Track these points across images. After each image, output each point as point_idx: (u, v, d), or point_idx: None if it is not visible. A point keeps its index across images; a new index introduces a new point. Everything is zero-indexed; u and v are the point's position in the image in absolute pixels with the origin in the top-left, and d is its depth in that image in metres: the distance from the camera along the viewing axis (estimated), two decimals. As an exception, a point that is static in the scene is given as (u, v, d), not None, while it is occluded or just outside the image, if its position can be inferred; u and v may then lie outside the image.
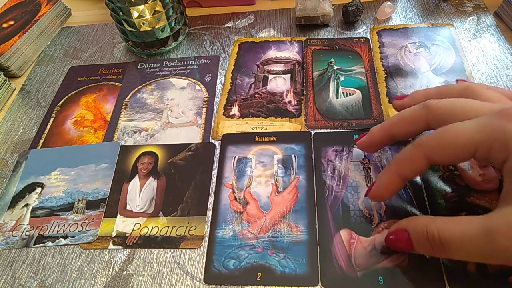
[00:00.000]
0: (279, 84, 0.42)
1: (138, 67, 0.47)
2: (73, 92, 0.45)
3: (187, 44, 0.49)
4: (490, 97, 0.26)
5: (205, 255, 0.31)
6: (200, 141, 0.38)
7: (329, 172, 0.34)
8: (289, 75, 0.43)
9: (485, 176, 0.32)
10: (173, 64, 0.46)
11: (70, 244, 0.33)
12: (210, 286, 0.30)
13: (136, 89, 0.44)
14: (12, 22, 0.51)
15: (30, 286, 0.31)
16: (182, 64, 0.46)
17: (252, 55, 0.45)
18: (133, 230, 0.33)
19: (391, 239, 0.27)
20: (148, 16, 0.43)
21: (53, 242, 0.33)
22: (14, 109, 0.45)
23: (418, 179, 0.33)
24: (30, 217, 0.35)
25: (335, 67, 0.42)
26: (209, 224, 0.33)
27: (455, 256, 0.24)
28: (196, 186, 0.35)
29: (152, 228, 0.33)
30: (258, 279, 0.29)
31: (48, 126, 0.42)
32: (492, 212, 0.23)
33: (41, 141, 0.41)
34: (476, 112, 0.24)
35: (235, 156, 0.36)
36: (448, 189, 0.32)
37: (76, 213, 0.35)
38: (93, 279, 0.31)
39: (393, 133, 0.29)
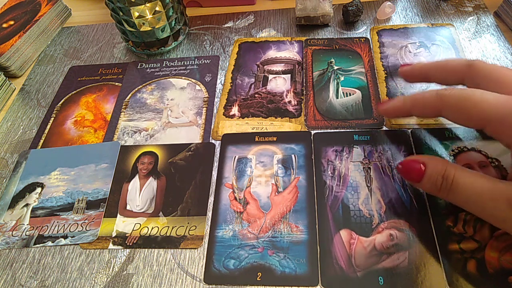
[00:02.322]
0: (279, 84, 0.42)
1: (138, 67, 0.47)
2: (73, 92, 0.45)
3: (187, 44, 0.49)
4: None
5: (205, 255, 0.31)
6: (200, 141, 0.38)
7: (329, 172, 0.34)
8: (289, 75, 0.43)
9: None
10: (173, 64, 0.46)
11: (70, 244, 0.33)
12: (210, 286, 0.30)
13: (136, 89, 0.44)
14: (12, 22, 0.51)
15: (30, 286, 0.31)
16: (182, 64, 0.46)
17: (252, 55, 0.45)
18: (133, 230, 0.33)
19: (405, 166, 0.28)
20: (148, 16, 0.43)
21: (53, 242, 0.33)
22: (14, 109, 0.45)
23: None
24: (30, 217, 0.35)
25: (335, 67, 0.42)
26: (209, 224, 0.33)
27: (456, 199, 0.26)
28: (196, 186, 0.35)
29: (152, 228, 0.33)
30: (258, 279, 0.29)
31: (48, 126, 0.42)
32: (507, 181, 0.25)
33: (41, 141, 0.41)
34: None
35: (235, 156, 0.36)
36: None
37: (76, 213, 0.35)
38: (93, 279, 0.31)
39: (431, 74, 0.31)
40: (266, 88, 0.42)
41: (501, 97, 0.25)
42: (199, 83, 0.44)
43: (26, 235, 0.34)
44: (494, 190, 0.24)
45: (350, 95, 0.40)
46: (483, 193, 0.24)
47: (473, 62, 0.28)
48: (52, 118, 0.43)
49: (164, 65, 0.47)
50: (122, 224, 0.34)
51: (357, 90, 0.40)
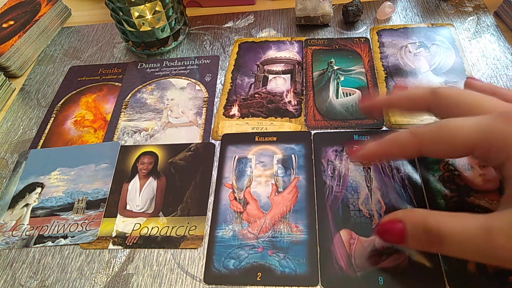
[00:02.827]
0: (279, 84, 0.42)
1: (138, 67, 0.47)
2: (73, 92, 0.45)
3: (187, 44, 0.49)
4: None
5: (205, 255, 0.31)
6: (200, 141, 0.38)
7: (329, 172, 0.34)
8: (289, 75, 0.43)
9: (485, 176, 0.32)
10: (173, 64, 0.46)
11: (70, 244, 0.33)
12: (210, 286, 0.30)
13: (136, 89, 0.44)
14: (12, 22, 0.51)
15: (30, 286, 0.31)
16: (182, 64, 0.46)
17: (252, 55, 0.45)
18: (133, 230, 0.33)
19: (383, 229, 0.25)
20: (148, 16, 0.43)
21: (53, 242, 0.33)
22: (14, 109, 0.45)
23: (418, 179, 0.33)
24: (30, 217, 0.35)
25: (335, 67, 0.42)
26: (209, 224, 0.33)
27: (450, 251, 0.23)
28: (196, 186, 0.35)
29: (152, 228, 0.33)
30: (258, 279, 0.29)
31: (48, 126, 0.42)
32: (493, 212, 0.22)
33: (41, 141, 0.41)
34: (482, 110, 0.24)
35: (235, 156, 0.36)
36: (448, 189, 0.32)
37: (76, 213, 0.35)
38: (93, 279, 0.31)
39: (395, 106, 0.29)
40: (266, 88, 0.42)
41: (480, 118, 0.23)
42: (199, 83, 0.44)
43: (26, 235, 0.34)
44: (487, 229, 0.21)
45: (350, 95, 0.40)
46: (477, 237, 0.21)
47: (438, 89, 0.27)
48: (52, 118, 0.43)
49: (164, 65, 0.47)
50: (122, 224, 0.34)
51: (357, 90, 0.40)
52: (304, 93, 0.41)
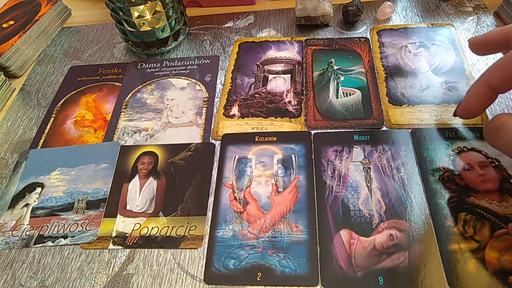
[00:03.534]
0: (279, 84, 0.42)
1: (138, 67, 0.47)
2: (73, 92, 0.45)
3: (187, 44, 0.49)
4: None
5: (205, 255, 0.31)
6: (200, 141, 0.38)
7: (329, 172, 0.34)
8: (289, 75, 0.43)
9: (485, 176, 0.32)
10: (173, 64, 0.46)
11: (70, 244, 0.33)
12: (210, 286, 0.30)
13: (136, 89, 0.44)
14: (12, 22, 0.51)
15: (30, 286, 0.31)
16: (182, 64, 0.46)
17: (252, 55, 0.45)
18: (133, 230, 0.33)
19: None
20: (148, 16, 0.43)
21: (53, 242, 0.33)
22: (14, 109, 0.45)
23: (418, 179, 0.33)
24: (30, 217, 0.35)
25: (335, 67, 0.42)
26: (209, 224, 0.33)
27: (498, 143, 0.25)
28: (196, 186, 0.35)
29: (152, 228, 0.33)
30: (258, 279, 0.29)
31: (48, 126, 0.42)
32: None
33: (41, 141, 0.41)
34: None
35: (235, 156, 0.36)
36: (448, 189, 0.32)
37: (76, 213, 0.35)
38: (93, 279, 0.31)
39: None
40: (266, 88, 0.42)
41: None
42: (199, 83, 0.44)
43: (26, 235, 0.34)
44: None
45: (350, 95, 0.40)
46: None
47: None
48: (52, 118, 0.43)
49: (164, 65, 0.46)
50: (122, 224, 0.34)
51: (357, 90, 0.40)
52: (304, 93, 0.41)
